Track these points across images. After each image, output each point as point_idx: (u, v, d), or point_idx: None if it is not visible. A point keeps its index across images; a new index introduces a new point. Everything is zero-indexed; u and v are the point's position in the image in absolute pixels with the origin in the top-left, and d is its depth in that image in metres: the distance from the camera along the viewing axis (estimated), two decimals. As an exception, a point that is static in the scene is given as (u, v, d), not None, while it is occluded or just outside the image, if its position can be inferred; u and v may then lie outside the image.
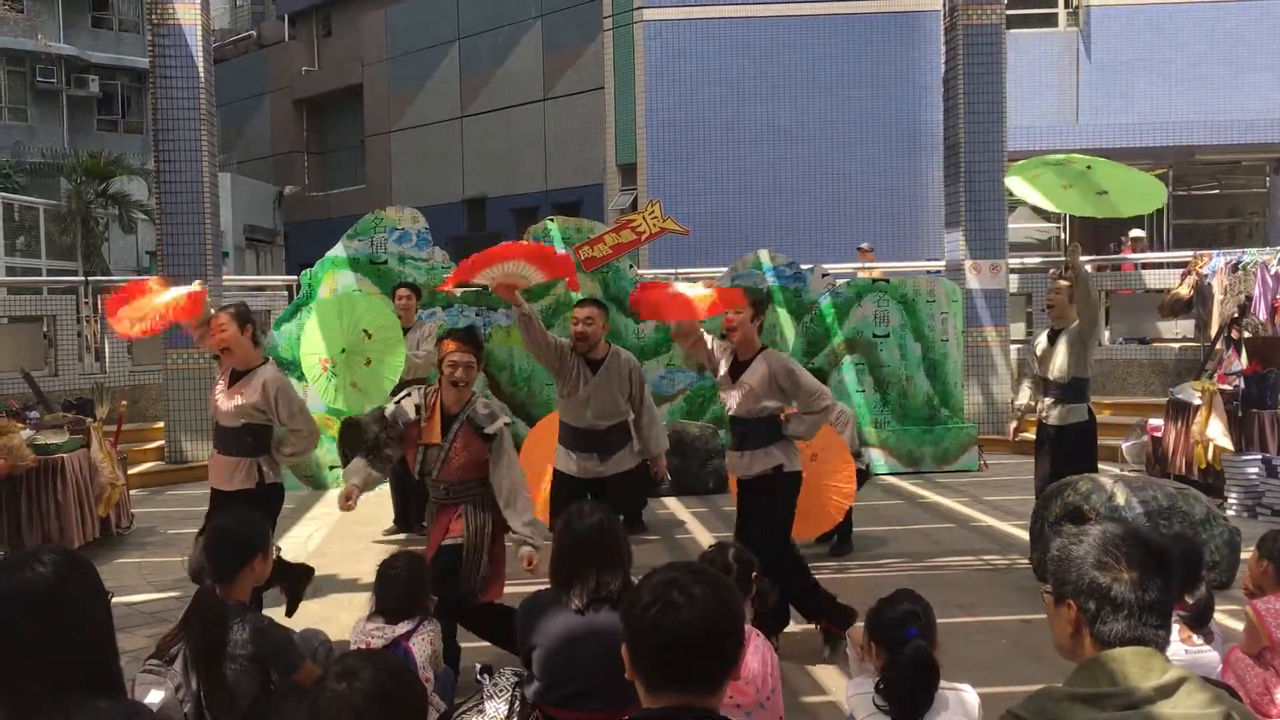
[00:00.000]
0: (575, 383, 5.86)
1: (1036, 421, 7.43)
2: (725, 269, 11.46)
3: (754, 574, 3.97)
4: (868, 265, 14.30)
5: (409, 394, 5.01)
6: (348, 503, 4.80)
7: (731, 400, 5.50)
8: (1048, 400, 7.22)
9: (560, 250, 10.88)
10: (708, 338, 5.69)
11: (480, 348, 4.98)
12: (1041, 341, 7.41)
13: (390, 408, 5.01)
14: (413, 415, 4.92)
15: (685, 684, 1.94)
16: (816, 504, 6.96)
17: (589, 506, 3.62)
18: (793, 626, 5.89)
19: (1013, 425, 7.84)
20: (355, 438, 4.94)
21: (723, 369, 5.56)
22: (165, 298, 5.75)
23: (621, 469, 6.05)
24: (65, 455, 7.84)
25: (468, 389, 4.92)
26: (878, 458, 10.89)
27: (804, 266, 11.46)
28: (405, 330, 8.41)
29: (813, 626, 5.51)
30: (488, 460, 4.86)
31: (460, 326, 5.34)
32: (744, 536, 5.45)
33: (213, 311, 5.79)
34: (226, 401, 5.49)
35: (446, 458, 4.86)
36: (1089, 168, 6.85)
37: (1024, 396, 7.60)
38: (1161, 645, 1.97)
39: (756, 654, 3.41)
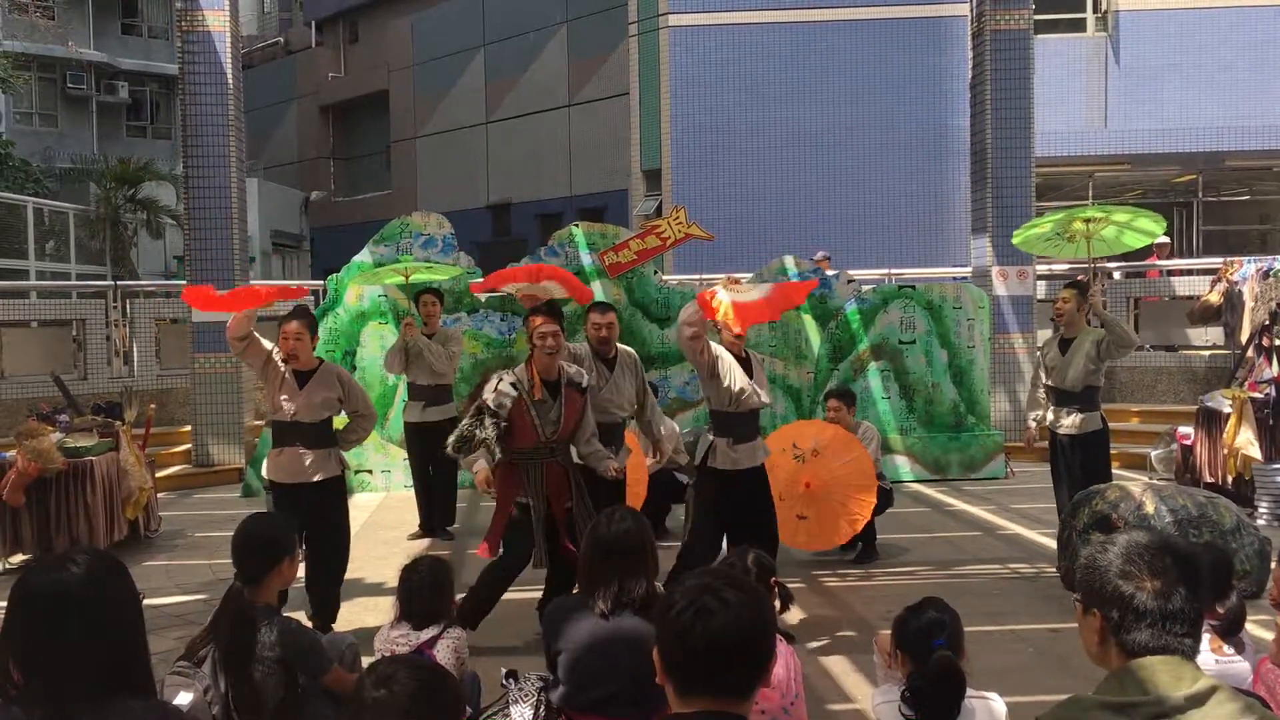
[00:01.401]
0: (597, 382, 6.06)
1: (1049, 433, 7.34)
2: (750, 275, 11.44)
3: (773, 579, 3.96)
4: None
5: (499, 379, 5.49)
6: (489, 487, 5.57)
7: (757, 395, 5.96)
8: (1063, 410, 7.14)
9: (586, 256, 10.92)
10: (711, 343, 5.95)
11: (562, 317, 5.59)
12: (1053, 352, 7.28)
13: (490, 398, 5.41)
14: (514, 393, 5.41)
15: (717, 690, 1.95)
16: (831, 519, 7.01)
17: (620, 513, 3.63)
18: (821, 639, 5.88)
19: (1032, 428, 7.56)
20: (466, 445, 5.45)
21: (738, 370, 5.91)
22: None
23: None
24: (94, 458, 7.92)
25: (558, 355, 5.52)
26: (903, 465, 10.84)
27: (829, 272, 11.44)
28: (429, 335, 8.51)
29: (839, 634, 5.52)
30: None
31: (543, 304, 5.79)
32: (763, 527, 5.89)
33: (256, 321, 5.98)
34: (309, 398, 5.75)
35: (563, 421, 5.49)
36: (1087, 221, 7.32)
37: (1039, 405, 7.45)
38: (1188, 654, 1.95)
39: (780, 659, 3.40)
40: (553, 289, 6.66)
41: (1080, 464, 7.11)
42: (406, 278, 8.52)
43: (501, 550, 5.64)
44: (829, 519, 7.05)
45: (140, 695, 2.13)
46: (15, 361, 12.04)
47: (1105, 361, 7.08)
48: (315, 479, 5.76)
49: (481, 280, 7.12)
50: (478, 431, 5.39)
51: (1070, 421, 7.10)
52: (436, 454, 7.81)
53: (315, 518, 5.69)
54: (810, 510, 7.02)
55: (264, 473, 6.27)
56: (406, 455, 9.07)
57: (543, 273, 6.95)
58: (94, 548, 2.25)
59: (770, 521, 6.03)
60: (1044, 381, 7.34)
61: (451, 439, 5.50)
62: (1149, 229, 7.53)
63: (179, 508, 10.00)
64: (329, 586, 5.83)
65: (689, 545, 5.98)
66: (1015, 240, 8.22)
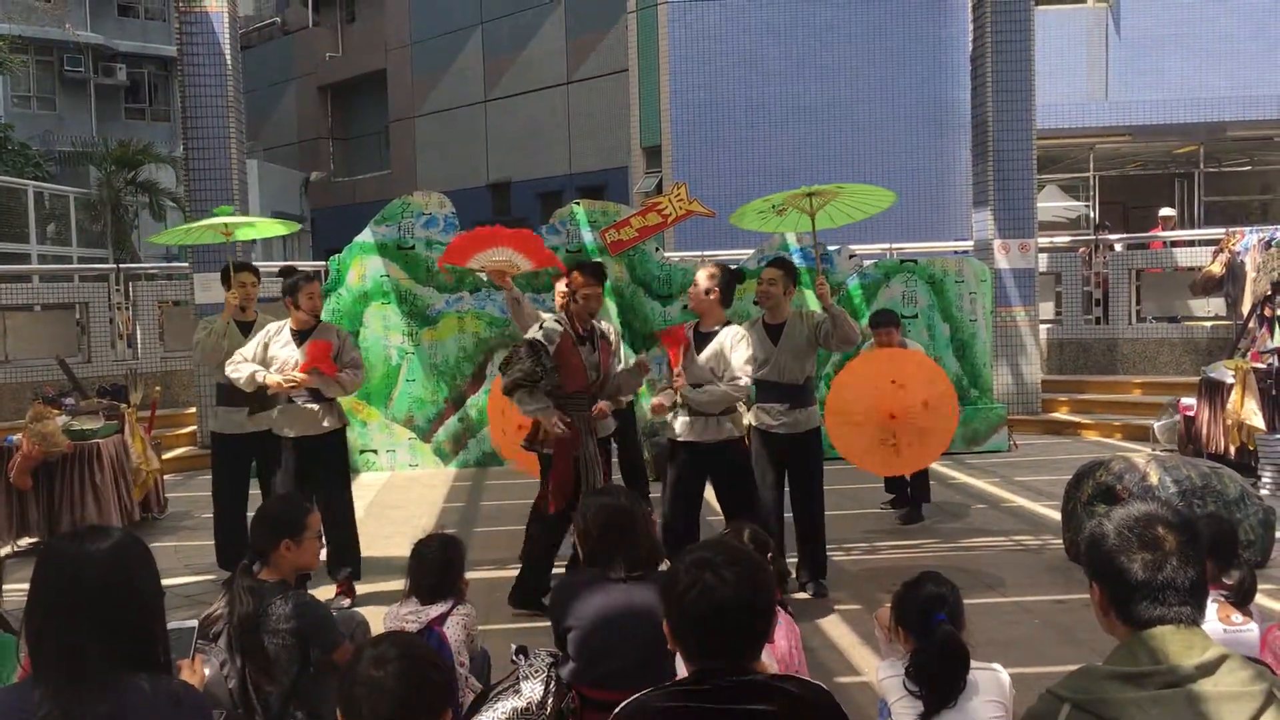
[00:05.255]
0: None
1: (755, 433, 6.23)
2: (752, 250, 11.43)
3: (770, 553, 3.98)
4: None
5: (541, 322, 5.95)
6: (557, 426, 5.61)
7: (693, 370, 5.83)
8: (780, 406, 6.09)
9: (587, 234, 10.90)
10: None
11: (604, 279, 5.99)
12: (761, 341, 6.10)
13: (535, 333, 5.76)
14: (560, 328, 5.78)
15: (726, 655, 2.13)
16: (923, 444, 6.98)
17: (607, 487, 3.73)
18: (828, 612, 5.91)
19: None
20: (525, 377, 5.62)
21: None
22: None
23: (608, 431, 6.35)
24: (101, 441, 7.94)
25: (594, 315, 5.99)
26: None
27: (831, 247, 11.42)
28: (249, 323, 6.79)
29: (845, 607, 5.54)
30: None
31: (588, 262, 6.22)
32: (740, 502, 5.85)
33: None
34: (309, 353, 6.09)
35: (601, 366, 5.91)
36: (810, 195, 6.42)
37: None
38: (1187, 622, 1.96)
39: (780, 631, 3.43)
40: (519, 261, 6.44)
41: (804, 465, 6.16)
42: (228, 236, 7.44)
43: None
44: (916, 443, 6.93)
45: (154, 673, 2.16)
46: (19, 345, 12.05)
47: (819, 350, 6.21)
48: (316, 432, 6.16)
49: (445, 255, 6.66)
50: (537, 366, 5.61)
51: (790, 419, 6.07)
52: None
53: (318, 467, 6.17)
54: (900, 436, 6.88)
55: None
56: (213, 480, 6.94)
57: (499, 238, 6.42)
58: (120, 527, 2.31)
59: (748, 496, 5.87)
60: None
61: (508, 379, 5.63)
62: (878, 201, 6.81)
63: (185, 489, 10.03)
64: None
65: (665, 522, 5.92)
66: (732, 219, 7.00)
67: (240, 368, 6.05)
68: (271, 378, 5.97)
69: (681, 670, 2.81)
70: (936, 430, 6.91)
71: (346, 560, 6.25)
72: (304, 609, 3.60)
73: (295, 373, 5.98)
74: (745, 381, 5.71)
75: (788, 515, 6.27)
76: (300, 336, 6.17)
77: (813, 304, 11.02)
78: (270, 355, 6.12)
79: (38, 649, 2.11)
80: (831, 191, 6.47)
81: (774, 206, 6.66)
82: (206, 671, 3.30)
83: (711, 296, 5.84)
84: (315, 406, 6.15)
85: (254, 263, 8.57)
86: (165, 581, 2.36)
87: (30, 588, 2.16)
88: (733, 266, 6.73)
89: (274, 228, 8.18)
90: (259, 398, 6.35)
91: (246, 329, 6.68)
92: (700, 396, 5.73)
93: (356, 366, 6.32)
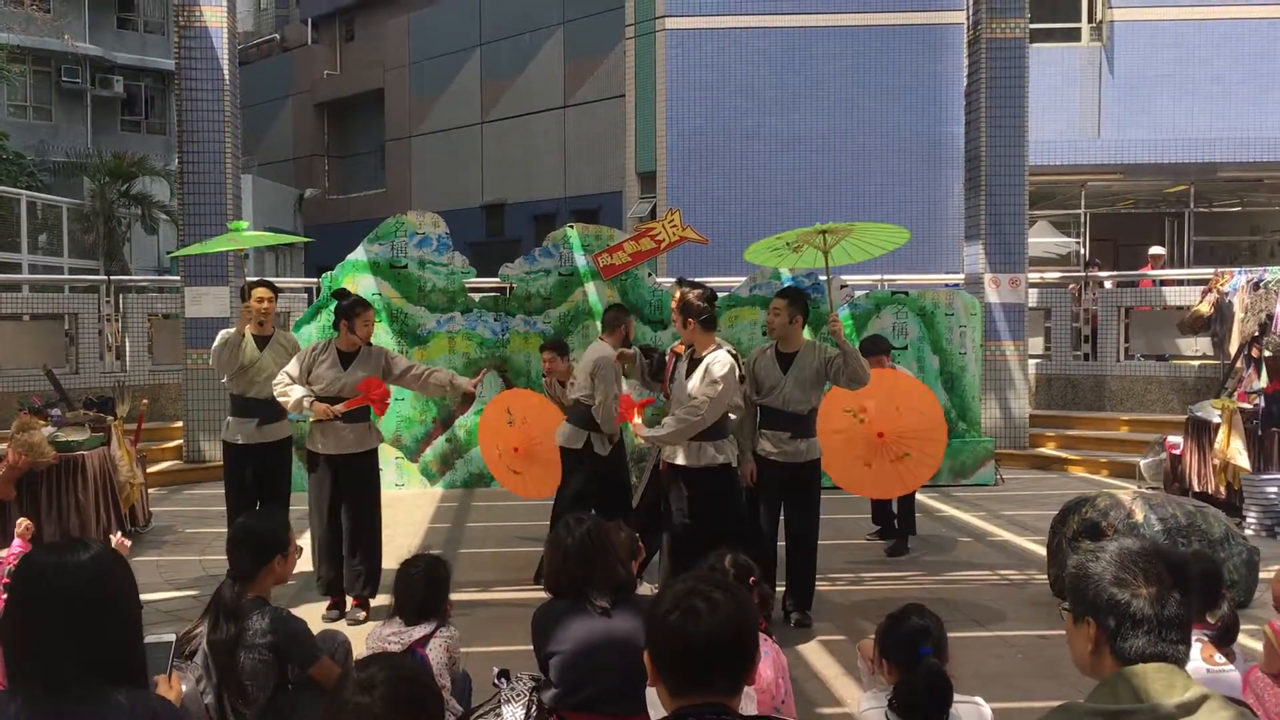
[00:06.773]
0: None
1: (756, 460, 6.25)
2: (743, 279, 11.46)
3: (752, 579, 3.98)
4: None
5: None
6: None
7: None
8: (783, 435, 6.13)
9: (580, 258, 10.93)
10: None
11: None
12: (768, 368, 6.20)
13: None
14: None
15: (707, 686, 2.05)
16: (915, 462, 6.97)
17: (573, 519, 3.73)
18: (812, 642, 5.89)
19: (750, 467, 6.28)
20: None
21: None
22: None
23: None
24: (86, 453, 7.90)
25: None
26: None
27: (822, 277, 11.45)
28: (265, 337, 6.89)
29: (829, 637, 5.53)
30: None
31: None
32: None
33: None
34: (352, 376, 6.26)
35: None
36: (824, 233, 6.42)
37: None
38: (1182, 661, 1.96)
39: (767, 659, 3.42)
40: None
41: (802, 493, 6.21)
42: (242, 251, 7.70)
43: None
44: (913, 462, 6.97)
45: (132, 688, 2.14)
46: (6, 355, 12.01)
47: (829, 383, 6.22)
48: (358, 450, 6.31)
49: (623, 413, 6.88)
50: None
51: (791, 448, 6.11)
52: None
53: (351, 485, 6.30)
54: (910, 450, 6.91)
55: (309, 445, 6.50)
56: (225, 488, 6.95)
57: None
58: (96, 540, 2.29)
59: (724, 526, 5.73)
60: (755, 400, 6.28)
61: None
62: (892, 238, 6.77)
63: (170, 503, 9.99)
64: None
65: (670, 549, 6.01)
66: (746, 255, 7.32)
67: (289, 391, 6.15)
68: (319, 405, 6.09)
69: (654, 707, 2.81)
70: (924, 453, 6.93)
71: (369, 578, 6.32)
72: (280, 624, 3.58)
73: (338, 407, 6.12)
74: (699, 402, 5.66)
75: (781, 543, 6.27)
76: (345, 358, 6.28)
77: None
78: (315, 375, 6.23)
79: (14, 661, 2.10)
80: (844, 229, 6.50)
81: (788, 244, 6.73)
82: (184, 688, 3.28)
83: (689, 327, 5.85)
84: (349, 430, 6.26)
85: (245, 281, 8.57)
86: (146, 596, 2.35)
87: (7, 599, 2.15)
88: (723, 293, 6.80)
89: (285, 239, 8.46)
90: (277, 411, 6.62)
91: (263, 343, 6.84)
92: (657, 433, 5.83)
93: (413, 368, 6.51)
